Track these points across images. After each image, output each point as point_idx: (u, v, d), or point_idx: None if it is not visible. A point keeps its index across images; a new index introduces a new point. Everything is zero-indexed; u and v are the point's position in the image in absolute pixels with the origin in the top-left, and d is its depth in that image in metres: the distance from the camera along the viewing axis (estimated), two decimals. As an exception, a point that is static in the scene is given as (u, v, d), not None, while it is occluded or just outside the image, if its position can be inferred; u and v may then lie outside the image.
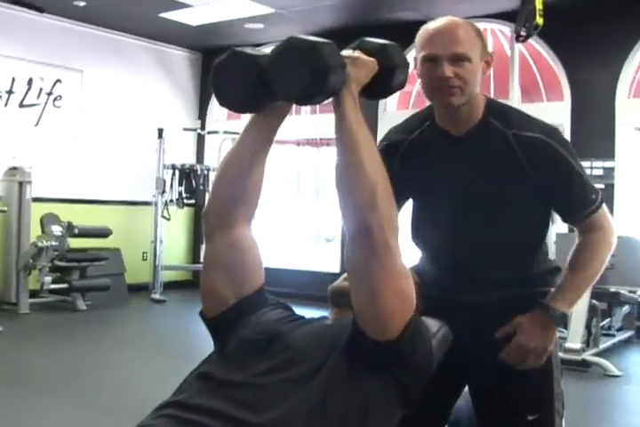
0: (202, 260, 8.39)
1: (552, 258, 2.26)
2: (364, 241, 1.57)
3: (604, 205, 2.07)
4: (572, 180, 2.02)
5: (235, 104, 1.80)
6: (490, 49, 2.08)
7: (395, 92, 1.89)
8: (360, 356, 1.62)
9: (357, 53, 1.76)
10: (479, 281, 2.11)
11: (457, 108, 2.03)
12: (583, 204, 2.04)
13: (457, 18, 2.06)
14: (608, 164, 7.37)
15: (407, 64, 1.84)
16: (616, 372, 5.47)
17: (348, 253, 1.64)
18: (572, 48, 7.62)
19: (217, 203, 1.83)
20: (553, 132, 2.06)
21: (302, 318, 1.88)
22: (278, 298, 1.91)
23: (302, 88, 1.65)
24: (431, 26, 2.02)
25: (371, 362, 1.62)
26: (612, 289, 6.21)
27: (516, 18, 7.59)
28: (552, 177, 2.02)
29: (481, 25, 8.32)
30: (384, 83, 1.81)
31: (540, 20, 5.20)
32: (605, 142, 7.39)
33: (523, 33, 5.42)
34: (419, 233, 2.25)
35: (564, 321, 2.03)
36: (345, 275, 1.96)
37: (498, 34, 8.48)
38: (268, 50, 7.34)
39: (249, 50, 1.78)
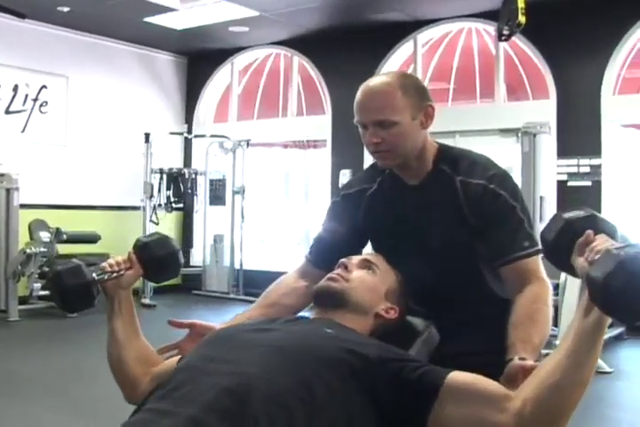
0: (192, 264, 8.28)
1: None
2: None
3: (539, 260, 1.99)
4: (508, 220, 2.01)
5: (68, 309, 2.24)
6: (429, 100, 2.06)
7: None
8: (383, 399, 1.58)
9: None
10: (448, 306, 2.12)
11: (395, 167, 2.10)
12: (513, 246, 1.98)
13: (390, 77, 2.06)
14: (595, 161, 7.40)
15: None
16: (607, 368, 5.47)
17: (497, 417, 1.51)
18: (556, 46, 7.65)
19: (121, 383, 2.04)
20: (500, 178, 2.06)
21: (285, 317, 1.90)
22: None
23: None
24: (362, 90, 2.03)
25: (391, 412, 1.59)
26: (602, 286, 6.22)
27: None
28: (488, 219, 2.01)
29: (465, 24, 8.40)
30: None
31: (522, 19, 5.21)
32: (592, 140, 7.42)
33: (505, 32, 5.43)
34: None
35: None
36: (329, 275, 1.95)
37: (482, 33, 8.50)
38: (252, 53, 7.30)
39: (61, 266, 2.04)
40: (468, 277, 2.10)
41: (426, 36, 8.65)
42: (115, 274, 2.05)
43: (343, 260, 1.97)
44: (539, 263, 1.99)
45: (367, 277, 1.93)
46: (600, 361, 5.50)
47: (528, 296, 1.92)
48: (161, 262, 2.12)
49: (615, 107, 7.47)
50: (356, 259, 1.98)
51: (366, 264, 1.96)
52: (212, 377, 1.56)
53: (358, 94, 2.03)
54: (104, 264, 2.05)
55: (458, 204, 2.04)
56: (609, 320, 1.42)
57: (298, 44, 9.33)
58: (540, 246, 1.94)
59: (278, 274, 2.10)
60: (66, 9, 8.09)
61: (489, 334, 2.02)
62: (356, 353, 1.61)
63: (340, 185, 8.87)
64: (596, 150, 7.41)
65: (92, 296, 2.02)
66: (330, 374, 1.57)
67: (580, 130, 7.50)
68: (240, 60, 10.17)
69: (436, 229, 2.08)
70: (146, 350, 2.06)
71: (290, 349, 1.62)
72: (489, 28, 8.28)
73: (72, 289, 1.99)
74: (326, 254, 2.21)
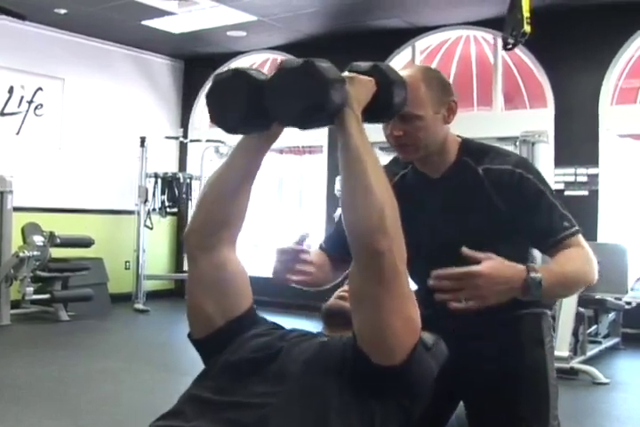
0: (185, 270, 8.28)
1: None
2: (373, 265, 1.52)
3: (581, 237, 1.99)
4: (542, 204, 1.99)
5: (230, 125, 1.70)
6: (451, 95, 2.06)
7: (398, 110, 1.83)
8: (363, 380, 1.59)
9: (352, 74, 1.71)
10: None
11: (416, 161, 2.10)
12: (553, 229, 1.98)
13: (413, 70, 2.05)
14: (592, 170, 7.39)
15: (403, 80, 1.80)
16: (604, 379, 5.45)
17: (354, 277, 1.59)
18: (555, 55, 7.64)
19: (201, 224, 1.78)
20: (524, 163, 2.07)
21: (295, 331, 1.85)
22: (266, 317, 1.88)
23: (304, 108, 1.55)
24: None
25: (374, 386, 1.59)
26: (598, 296, 6.22)
27: (498, 25, 7.61)
28: (521, 205, 2.00)
29: (464, 32, 8.38)
30: (385, 101, 1.74)
31: (527, 28, 5.21)
32: (589, 149, 7.42)
33: (510, 41, 5.43)
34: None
35: (532, 291, 1.81)
36: (337, 293, 1.92)
37: (481, 41, 8.49)
38: (250, 58, 7.29)
39: (252, 71, 1.70)
40: None
41: (424, 43, 8.64)
42: None
43: None
44: (581, 240, 1.99)
45: None
46: (597, 372, 5.50)
47: (563, 253, 1.94)
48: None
49: (613, 116, 7.46)
50: None
51: None
52: (223, 411, 1.54)
53: None
54: None
55: (485, 192, 2.02)
56: (355, 130, 1.58)
57: (295, 49, 9.29)
58: (577, 226, 1.98)
59: (270, 279, 2.02)
60: (63, 11, 8.05)
61: (503, 339, 2.06)
62: (346, 370, 1.61)
63: (335, 191, 8.86)
64: (593, 160, 7.41)
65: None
66: (339, 390, 1.57)
67: (577, 139, 7.49)
68: (237, 65, 10.12)
69: (462, 222, 2.05)
70: (245, 206, 1.79)
71: (295, 376, 1.61)
72: (487, 37, 8.28)
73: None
74: (338, 246, 2.18)
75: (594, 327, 6.69)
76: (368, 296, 1.55)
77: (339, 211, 9.09)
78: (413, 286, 2.12)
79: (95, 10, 7.97)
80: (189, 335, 1.82)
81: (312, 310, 8.25)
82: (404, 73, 1.98)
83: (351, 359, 1.60)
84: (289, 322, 2.02)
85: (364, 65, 1.77)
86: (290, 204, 10.24)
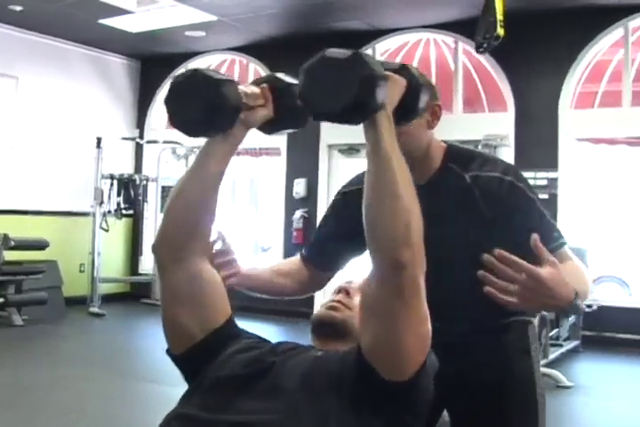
0: (140, 272, 8.14)
1: None
2: (394, 278, 1.45)
3: (569, 249, 1.94)
4: (532, 213, 1.95)
5: (191, 128, 1.62)
6: (436, 99, 2.00)
7: (420, 114, 1.77)
8: (366, 394, 1.52)
9: (389, 72, 1.58)
10: (452, 317, 2.02)
11: None
12: (543, 239, 1.82)
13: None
14: (551, 174, 7.45)
15: (427, 85, 1.74)
16: (567, 383, 5.49)
17: (370, 289, 1.52)
18: (515, 60, 7.68)
19: (170, 234, 1.66)
20: (513, 170, 2.02)
21: (285, 343, 1.77)
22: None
23: (346, 103, 1.44)
24: None
25: (377, 401, 1.53)
26: (560, 299, 6.24)
27: (459, 28, 7.67)
28: (511, 213, 1.94)
29: (424, 35, 8.38)
30: (410, 105, 1.66)
31: (500, 31, 5.23)
32: (549, 153, 7.48)
33: (484, 44, 5.43)
34: None
35: (568, 314, 1.74)
36: (326, 303, 1.85)
37: (441, 44, 8.50)
38: (208, 59, 7.21)
39: (211, 71, 1.62)
40: (474, 283, 2.01)
41: (384, 45, 8.62)
42: (253, 106, 1.64)
43: (343, 285, 1.86)
44: (569, 252, 1.93)
45: None
46: (560, 376, 5.52)
47: (573, 268, 1.85)
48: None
49: (572, 121, 7.53)
50: (356, 283, 1.86)
51: None
52: None
53: None
54: (241, 91, 1.61)
55: (472, 200, 1.97)
56: (388, 132, 1.50)
57: (254, 50, 9.23)
58: (564, 237, 1.92)
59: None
60: (18, 8, 7.87)
61: (491, 347, 2.04)
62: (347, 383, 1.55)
63: (294, 194, 8.81)
64: (553, 164, 7.46)
65: (235, 119, 1.61)
66: (338, 405, 1.51)
67: (537, 143, 7.54)
68: (194, 66, 10.00)
69: (447, 230, 1.97)
70: (213, 212, 1.69)
71: (292, 390, 1.54)
72: (447, 40, 8.29)
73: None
74: (323, 255, 2.17)
75: (555, 331, 6.73)
76: (384, 310, 1.48)
77: (297, 213, 9.02)
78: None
79: (51, 7, 7.81)
80: (168, 351, 1.72)
81: (269, 314, 8.04)
82: None
83: (355, 373, 1.54)
84: (250, 326, 1.93)
85: (394, 64, 1.68)
86: (243, 206, 10.20)
